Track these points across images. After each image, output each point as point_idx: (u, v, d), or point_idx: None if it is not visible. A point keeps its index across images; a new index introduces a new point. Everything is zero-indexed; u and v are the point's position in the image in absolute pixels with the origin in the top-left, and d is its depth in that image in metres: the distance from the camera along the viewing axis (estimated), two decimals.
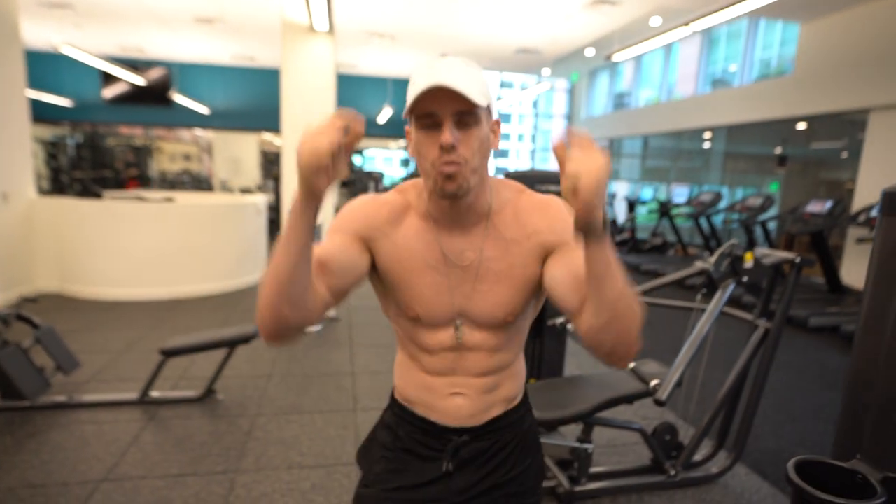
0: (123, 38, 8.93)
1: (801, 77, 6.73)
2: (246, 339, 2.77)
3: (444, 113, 0.79)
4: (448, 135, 0.79)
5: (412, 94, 0.79)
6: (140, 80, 9.13)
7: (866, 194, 5.78)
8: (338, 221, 0.92)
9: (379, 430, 1.04)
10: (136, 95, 10.52)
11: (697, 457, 2.34)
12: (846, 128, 7.17)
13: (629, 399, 2.00)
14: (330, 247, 0.87)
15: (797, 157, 9.21)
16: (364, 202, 0.93)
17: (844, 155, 8.18)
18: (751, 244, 6.41)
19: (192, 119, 11.02)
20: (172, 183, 11.79)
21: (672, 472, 2.22)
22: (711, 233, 7.24)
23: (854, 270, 5.87)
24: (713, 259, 2.05)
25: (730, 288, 2.06)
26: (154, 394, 2.84)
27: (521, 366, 1.01)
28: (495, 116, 0.87)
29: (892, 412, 0.82)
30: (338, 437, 2.56)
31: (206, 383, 2.96)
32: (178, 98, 10.08)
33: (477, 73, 0.82)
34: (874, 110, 5.80)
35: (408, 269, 0.90)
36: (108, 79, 10.24)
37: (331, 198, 4.47)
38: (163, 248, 4.79)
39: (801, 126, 7.79)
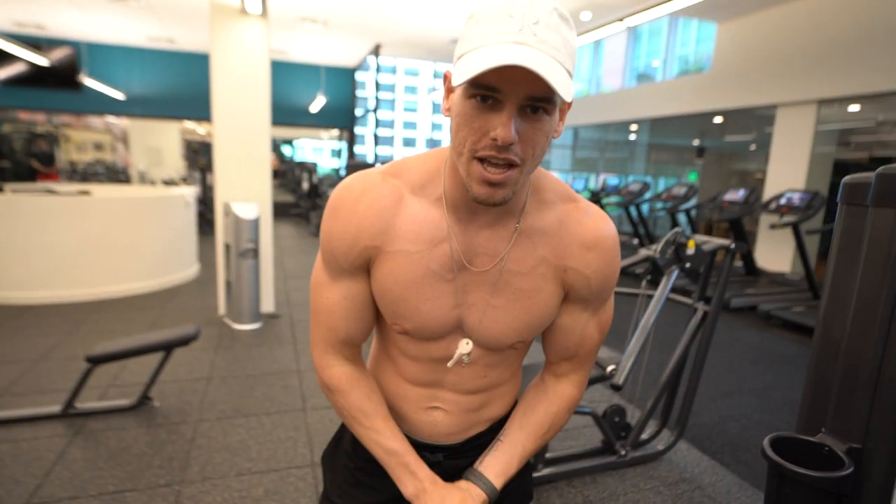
0: (18, 13, 8.05)
1: (718, 74, 7.20)
2: (185, 341, 2.59)
3: (512, 93, 0.57)
4: (510, 129, 0.58)
5: (476, 58, 0.56)
6: (42, 61, 8.26)
7: (776, 184, 6.29)
8: (333, 252, 0.74)
9: (345, 431, 0.92)
10: (37, 77, 9.52)
11: (644, 436, 2.46)
12: (755, 122, 7.77)
13: None
14: (351, 306, 0.77)
15: (713, 149, 9.89)
16: (350, 211, 0.72)
17: (753, 147, 8.87)
18: None
19: (106, 105, 10.15)
20: (84, 174, 10.84)
21: (623, 453, 2.32)
22: (640, 221, 7.62)
23: (767, 254, 6.38)
24: (659, 246, 2.15)
25: (674, 274, 2.16)
26: (80, 405, 2.60)
27: (515, 384, 0.88)
28: (570, 98, 0.60)
29: (854, 387, 0.88)
30: (288, 440, 2.46)
31: (139, 390, 2.75)
32: (88, 82, 9.24)
33: (570, 39, 0.59)
34: (781, 106, 6.31)
35: (403, 281, 0.73)
36: (3, 57, 9.20)
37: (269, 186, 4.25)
38: (79, 246, 4.39)
39: (718, 120, 8.34)
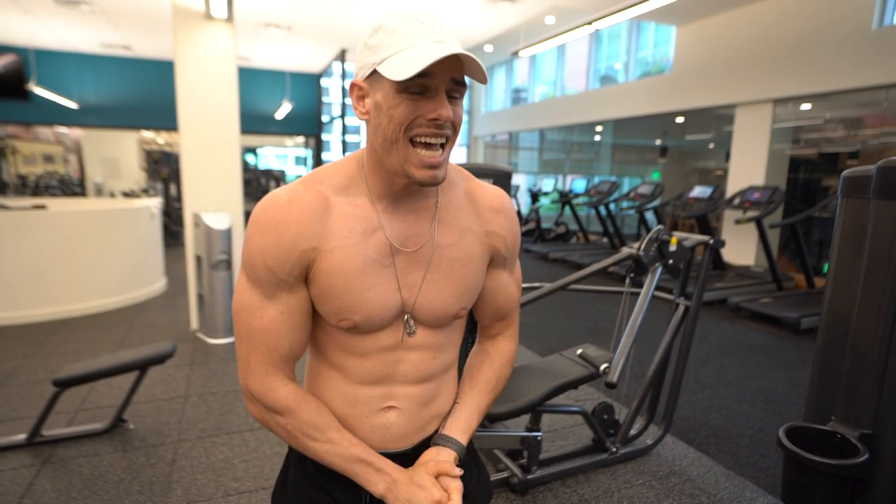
0: None
1: (678, 75, 7.42)
2: (160, 359, 2.48)
3: (441, 79, 0.67)
4: (448, 107, 0.68)
5: (412, 56, 0.65)
6: None
7: (737, 180, 6.52)
8: (268, 264, 0.73)
9: (291, 467, 0.90)
10: None
11: (632, 432, 2.48)
12: (714, 121, 8.03)
13: (578, 383, 2.07)
14: (290, 322, 0.76)
15: (675, 148, 10.17)
16: (280, 219, 0.73)
17: (712, 146, 9.17)
18: (646, 229, 6.97)
19: (57, 115, 9.70)
20: (35, 187, 10.32)
21: (613, 449, 2.34)
22: (610, 220, 7.77)
23: (732, 248, 6.60)
24: (642, 244, 2.18)
25: (658, 271, 2.20)
26: (47, 432, 2.46)
27: (456, 373, 0.93)
28: (486, 80, 0.75)
29: (863, 375, 0.90)
30: (275, 455, 2.39)
31: (110, 413, 2.62)
32: (37, 90, 8.81)
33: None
34: (740, 105, 6.55)
35: (343, 274, 0.74)
36: None
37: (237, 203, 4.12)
38: (37, 263, 4.16)
39: (680, 120, 8.59)
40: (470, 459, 0.94)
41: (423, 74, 0.65)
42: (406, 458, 0.85)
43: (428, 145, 0.69)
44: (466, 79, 0.70)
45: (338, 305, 0.75)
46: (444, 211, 0.81)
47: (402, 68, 0.65)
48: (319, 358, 0.84)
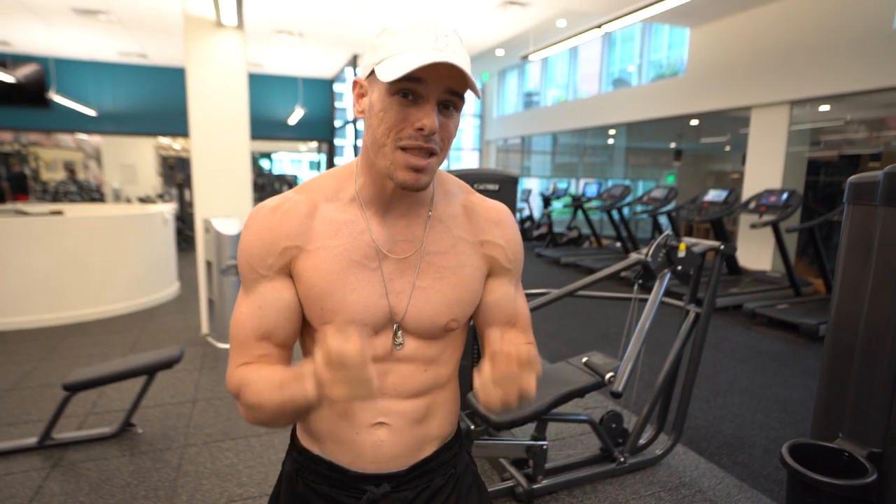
0: None
1: (692, 78, 7.32)
2: (168, 364, 2.50)
3: (434, 88, 0.67)
4: (434, 119, 0.67)
5: (405, 59, 0.64)
6: (8, 78, 8.05)
7: (753, 183, 6.40)
8: (249, 261, 0.74)
9: (283, 485, 0.87)
10: (3, 95, 9.26)
11: (641, 441, 2.44)
12: (729, 124, 7.91)
13: (584, 392, 2.03)
14: (265, 315, 0.74)
15: (690, 151, 10.04)
16: (264, 222, 0.75)
17: (728, 148, 9.03)
18: (660, 233, 6.88)
19: (76, 122, 9.90)
20: (55, 194, 10.54)
21: (622, 459, 2.29)
22: (623, 224, 7.67)
23: (748, 253, 6.48)
24: (650, 250, 2.14)
25: (667, 277, 2.15)
26: (58, 435, 2.49)
27: (456, 388, 0.86)
28: (479, 95, 0.73)
29: (871, 390, 0.86)
30: (279, 462, 2.37)
31: (120, 417, 2.64)
32: (57, 98, 9.01)
33: (468, 56, 0.71)
34: (755, 108, 6.44)
35: (327, 274, 0.73)
36: None
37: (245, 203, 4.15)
38: (53, 268, 4.23)
39: (695, 122, 8.48)
40: (472, 482, 0.89)
41: (415, 80, 0.65)
42: (399, 480, 0.80)
43: (412, 151, 0.69)
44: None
45: (321, 307, 0.74)
46: (436, 220, 0.80)
47: (391, 70, 0.65)
48: None
